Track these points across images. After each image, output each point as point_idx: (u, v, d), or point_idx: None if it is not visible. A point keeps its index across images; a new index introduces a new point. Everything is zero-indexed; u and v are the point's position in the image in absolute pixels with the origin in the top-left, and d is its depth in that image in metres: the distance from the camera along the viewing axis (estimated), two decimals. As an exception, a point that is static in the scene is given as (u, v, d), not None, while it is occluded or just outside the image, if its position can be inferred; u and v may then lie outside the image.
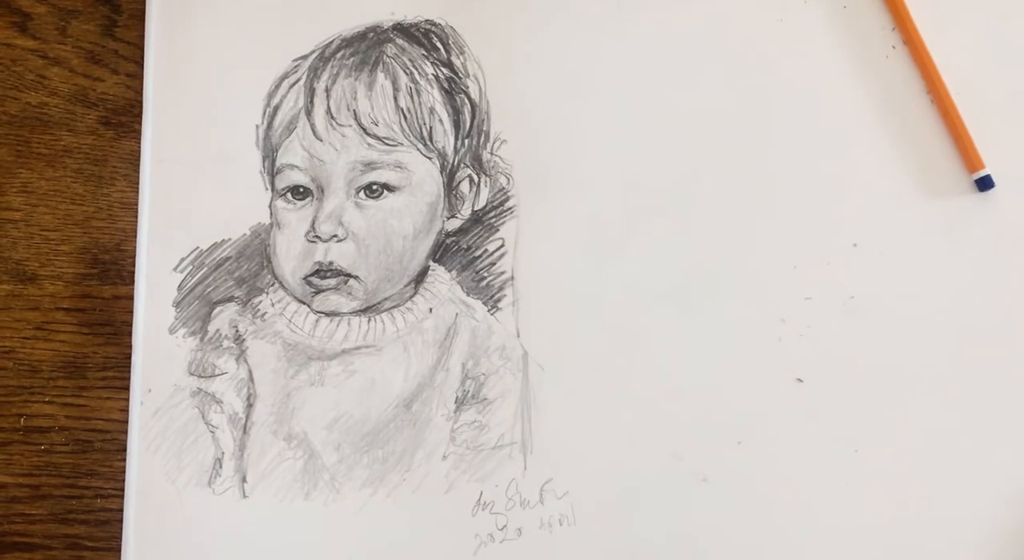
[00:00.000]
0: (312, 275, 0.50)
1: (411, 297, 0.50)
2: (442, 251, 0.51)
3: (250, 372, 0.50)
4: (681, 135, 0.50)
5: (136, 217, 0.52)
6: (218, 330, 0.50)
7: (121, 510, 0.49)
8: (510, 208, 0.51)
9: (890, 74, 0.50)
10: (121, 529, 0.49)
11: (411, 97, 0.51)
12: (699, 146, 0.50)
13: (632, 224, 0.50)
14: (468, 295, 0.50)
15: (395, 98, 0.51)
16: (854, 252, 0.49)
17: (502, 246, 0.50)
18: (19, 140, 0.53)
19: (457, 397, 0.49)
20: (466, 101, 0.51)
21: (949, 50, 0.49)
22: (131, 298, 0.51)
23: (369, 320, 0.50)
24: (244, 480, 0.49)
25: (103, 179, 0.53)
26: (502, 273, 0.50)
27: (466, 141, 0.51)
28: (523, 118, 0.51)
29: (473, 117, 0.51)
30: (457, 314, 0.50)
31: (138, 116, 0.53)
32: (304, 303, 0.50)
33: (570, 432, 0.48)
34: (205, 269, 0.51)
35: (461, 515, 0.48)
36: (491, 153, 0.51)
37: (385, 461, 0.49)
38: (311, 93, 0.51)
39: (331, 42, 0.52)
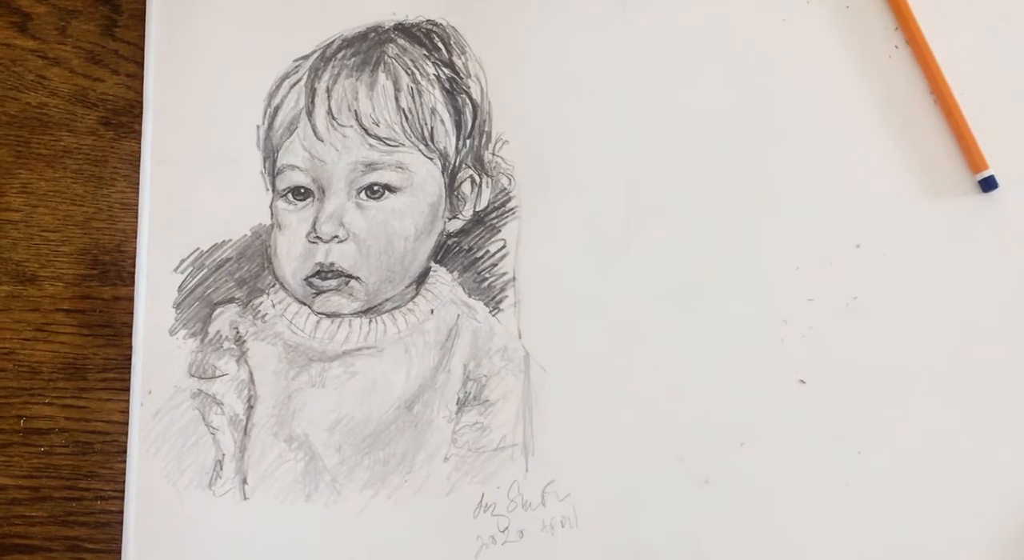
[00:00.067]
0: (313, 276, 0.50)
1: (412, 298, 0.50)
2: (443, 252, 0.51)
3: (251, 373, 0.50)
4: (683, 135, 0.50)
5: (136, 218, 0.52)
6: (219, 331, 0.50)
7: (121, 512, 0.49)
8: (512, 209, 0.50)
9: (893, 74, 0.50)
10: (121, 531, 0.49)
11: (412, 97, 0.51)
12: (701, 146, 0.50)
13: (634, 225, 0.50)
14: (470, 296, 0.50)
15: (396, 98, 0.51)
16: (857, 253, 0.49)
17: (504, 247, 0.50)
18: (19, 140, 0.53)
19: (459, 398, 0.49)
20: (468, 101, 0.51)
21: (952, 50, 0.49)
22: (131, 299, 0.51)
23: (370, 321, 0.50)
24: (245, 482, 0.49)
25: (103, 180, 0.53)
26: (504, 274, 0.50)
27: (468, 142, 0.51)
28: (525, 118, 0.51)
29: (475, 117, 0.51)
30: (459, 315, 0.50)
31: (138, 116, 0.53)
32: (305, 304, 0.50)
33: (572, 434, 0.48)
34: (206, 270, 0.51)
35: (462, 517, 0.48)
36: (493, 154, 0.51)
37: (386, 463, 0.49)
38: (312, 93, 0.51)
39: (332, 42, 0.52)
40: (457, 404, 0.49)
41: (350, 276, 0.50)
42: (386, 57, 0.52)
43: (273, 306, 0.51)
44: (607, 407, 0.48)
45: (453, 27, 0.52)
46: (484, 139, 0.51)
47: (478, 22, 0.52)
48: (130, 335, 0.51)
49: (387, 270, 0.50)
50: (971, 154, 0.48)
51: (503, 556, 0.47)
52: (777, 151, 0.50)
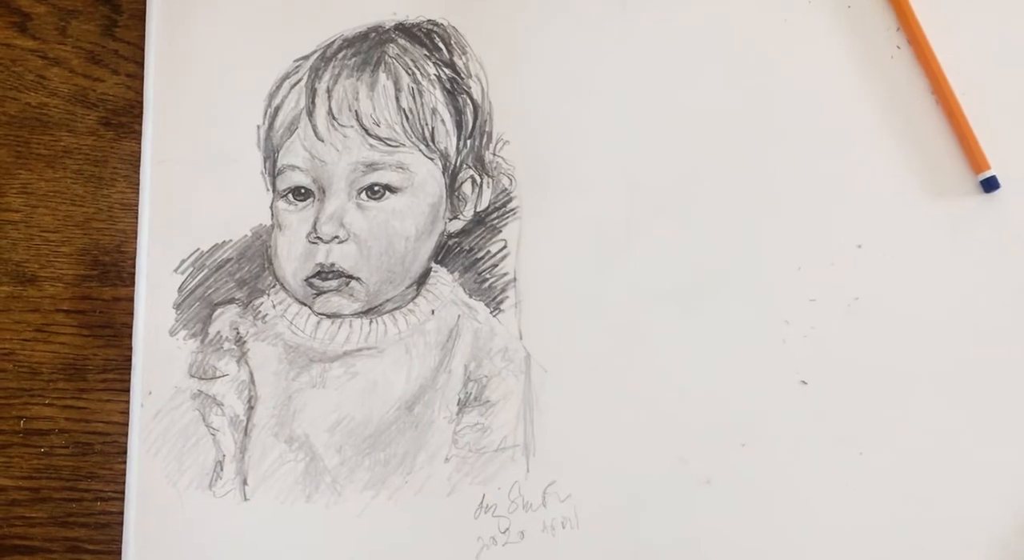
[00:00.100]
0: (313, 277, 0.50)
1: (413, 299, 0.50)
2: (444, 252, 0.51)
3: (251, 374, 0.50)
4: (685, 136, 0.50)
5: (136, 218, 0.52)
6: (219, 332, 0.50)
7: (121, 513, 0.49)
8: (513, 209, 0.50)
9: (894, 74, 0.50)
10: (121, 532, 0.49)
11: (413, 98, 0.51)
12: (703, 147, 0.50)
13: (636, 225, 0.50)
14: (470, 297, 0.50)
15: (397, 99, 0.51)
16: (858, 253, 0.49)
17: (504, 247, 0.50)
18: (19, 141, 0.53)
19: (459, 399, 0.49)
20: (468, 102, 0.51)
21: (954, 50, 0.49)
22: (131, 300, 0.51)
23: (371, 322, 0.50)
24: (245, 483, 0.49)
25: (103, 180, 0.52)
26: (504, 274, 0.50)
27: (468, 142, 0.51)
28: (525, 119, 0.51)
29: (475, 118, 0.51)
30: (459, 316, 0.50)
31: (138, 117, 0.53)
32: (305, 305, 0.50)
33: (573, 434, 0.48)
34: (206, 271, 0.51)
35: (463, 518, 0.48)
36: (493, 154, 0.51)
37: (387, 463, 0.48)
38: (312, 93, 0.51)
39: (333, 42, 0.52)
40: (458, 405, 0.49)
41: (351, 277, 0.50)
42: (387, 57, 0.51)
43: (273, 307, 0.50)
44: (608, 408, 0.48)
45: (454, 27, 0.52)
46: (485, 139, 0.51)
47: (479, 22, 0.52)
48: (130, 336, 0.50)
49: (388, 271, 0.50)
50: (973, 154, 0.48)
51: (504, 557, 0.47)
52: (778, 151, 0.50)
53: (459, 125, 0.51)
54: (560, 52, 0.52)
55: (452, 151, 0.51)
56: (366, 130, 0.50)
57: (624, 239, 0.50)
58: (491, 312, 0.50)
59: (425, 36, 0.52)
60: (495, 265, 0.50)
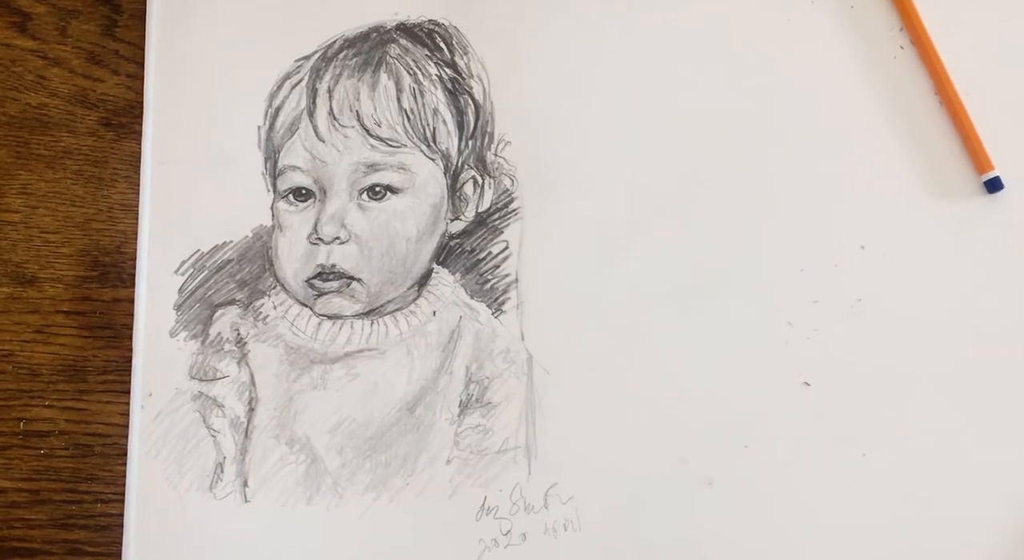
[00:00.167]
0: (314, 278, 0.50)
1: (414, 300, 0.50)
2: (446, 253, 0.50)
3: (252, 376, 0.50)
4: (687, 136, 0.50)
5: (136, 219, 0.52)
6: (219, 333, 0.50)
7: (121, 515, 0.49)
8: (514, 210, 0.50)
9: (898, 75, 0.50)
10: (121, 534, 0.49)
11: (415, 98, 0.51)
12: (706, 147, 0.50)
13: (638, 226, 0.50)
14: (472, 298, 0.50)
15: (398, 99, 0.51)
16: (861, 254, 0.48)
17: (506, 248, 0.50)
18: (19, 141, 0.53)
19: (461, 401, 0.49)
20: (470, 102, 0.51)
21: (957, 50, 0.49)
22: (131, 301, 0.51)
23: (372, 323, 0.50)
24: (246, 485, 0.49)
25: (103, 181, 0.52)
26: (506, 275, 0.50)
27: (470, 142, 0.51)
28: (527, 119, 0.51)
29: (477, 118, 0.51)
30: (461, 317, 0.50)
31: (139, 117, 0.52)
32: (306, 306, 0.50)
33: (575, 436, 0.48)
34: (206, 272, 0.51)
35: (465, 520, 0.48)
36: (495, 154, 0.51)
37: (388, 465, 0.48)
38: (313, 94, 0.51)
39: (334, 42, 0.52)
40: (459, 406, 0.49)
41: (352, 278, 0.50)
42: (388, 57, 0.51)
43: (274, 308, 0.50)
44: (611, 409, 0.48)
45: (455, 27, 0.52)
46: (486, 140, 0.51)
47: (480, 22, 0.52)
48: (130, 337, 0.50)
49: (389, 272, 0.50)
50: (976, 155, 0.48)
51: (506, 559, 0.47)
52: (782, 152, 0.50)
53: (460, 125, 0.51)
54: (561, 52, 0.52)
55: (454, 152, 0.51)
56: (367, 131, 0.50)
57: (627, 240, 0.49)
58: (493, 313, 0.49)
59: (427, 36, 0.52)
60: (497, 266, 0.50)
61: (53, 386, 0.50)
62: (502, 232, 0.50)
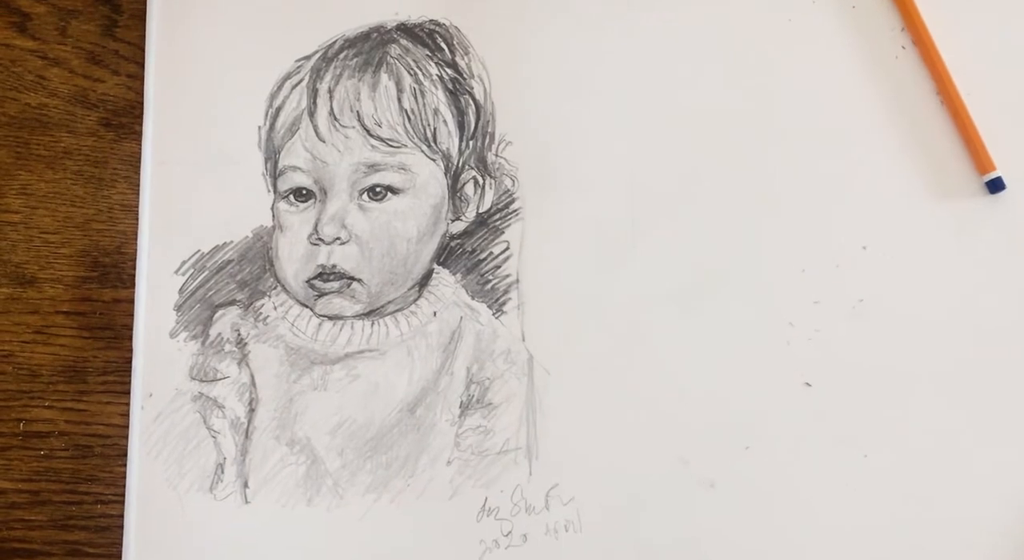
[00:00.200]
0: (315, 278, 0.50)
1: (415, 300, 0.50)
2: (446, 254, 0.50)
3: (252, 376, 0.50)
4: (688, 137, 0.50)
5: (137, 219, 0.51)
6: (220, 334, 0.50)
7: (122, 516, 0.49)
8: (515, 210, 0.50)
9: (899, 75, 0.50)
10: (122, 535, 0.48)
11: (415, 98, 0.51)
12: (707, 148, 0.50)
13: (639, 226, 0.49)
14: (473, 298, 0.50)
15: (399, 99, 0.50)
16: (863, 255, 0.48)
17: (507, 249, 0.50)
18: (18, 142, 0.53)
19: (461, 402, 0.49)
20: (471, 102, 0.51)
21: (959, 51, 0.49)
22: (132, 301, 0.51)
23: (372, 324, 0.50)
24: (246, 485, 0.49)
25: (103, 181, 0.52)
26: (507, 276, 0.50)
27: (471, 143, 0.51)
28: (528, 119, 0.51)
29: (478, 118, 0.51)
30: (462, 318, 0.50)
31: (139, 117, 0.52)
32: (307, 306, 0.50)
33: (576, 437, 0.48)
34: (207, 272, 0.51)
35: (466, 521, 0.48)
36: (496, 155, 0.51)
37: (389, 466, 0.48)
38: (314, 94, 0.51)
39: (334, 42, 0.52)
40: (460, 407, 0.49)
41: (352, 278, 0.50)
42: (389, 57, 0.51)
43: (275, 308, 0.50)
44: (611, 410, 0.48)
45: (456, 27, 0.52)
46: (487, 140, 0.51)
47: (481, 22, 0.52)
48: (130, 338, 0.50)
49: (389, 272, 0.50)
50: (978, 155, 0.48)
51: (507, 560, 0.47)
52: (783, 152, 0.50)
53: (461, 126, 0.51)
54: (562, 52, 0.52)
55: (454, 152, 0.51)
56: (368, 131, 0.50)
57: (628, 240, 0.49)
58: (493, 314, 0.49)
59: (427, 36, 0.52)
60: (497, 266, 0.50)
61: (53, 387, 0.50)
62: (503, 232, 0.50)
